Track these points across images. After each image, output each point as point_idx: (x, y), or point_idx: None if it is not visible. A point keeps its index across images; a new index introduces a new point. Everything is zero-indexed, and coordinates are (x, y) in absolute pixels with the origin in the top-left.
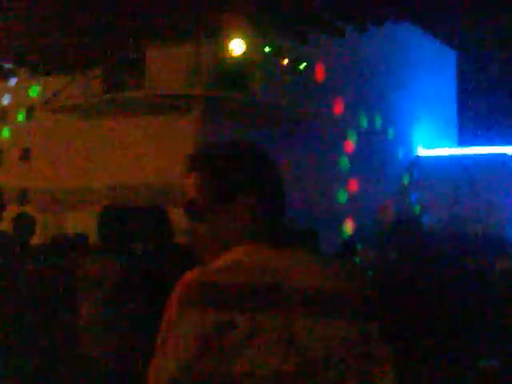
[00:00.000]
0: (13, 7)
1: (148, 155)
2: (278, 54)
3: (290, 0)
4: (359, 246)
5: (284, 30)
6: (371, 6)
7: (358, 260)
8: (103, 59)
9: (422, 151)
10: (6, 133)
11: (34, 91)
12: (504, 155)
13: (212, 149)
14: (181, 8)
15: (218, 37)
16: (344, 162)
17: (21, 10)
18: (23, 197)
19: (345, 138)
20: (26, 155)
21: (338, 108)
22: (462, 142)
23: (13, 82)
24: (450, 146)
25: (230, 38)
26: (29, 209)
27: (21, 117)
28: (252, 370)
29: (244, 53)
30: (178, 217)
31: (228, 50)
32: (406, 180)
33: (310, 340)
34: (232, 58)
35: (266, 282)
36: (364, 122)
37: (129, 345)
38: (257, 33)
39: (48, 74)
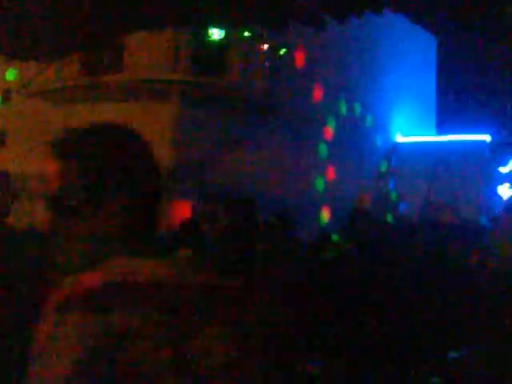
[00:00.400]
0: None
1: None
2: (257, 39)
3: None
4: (335, 237)
5: (263, 20)
6: None
7: (332, 251)
8: (81, 46)
9: (400, 139)
10: None
11: (11, 75)
12: (481, 142)
13: (81, 133)
14: None
15: (195, 24)
16: (322, 149)
17: None
18: None
19: (324, 125)
20: (1, 139)
21: (317, 94)
22: (441, 131)
23: None
24: (428, 134)
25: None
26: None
27: None
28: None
29: (223, 38)
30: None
31: (206, 35)
32: (383, 167)
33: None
34: (211, 42)
35: (137, 282)
36: (343, 109)
37: None
38: (235, 22)
39: (25, 59)
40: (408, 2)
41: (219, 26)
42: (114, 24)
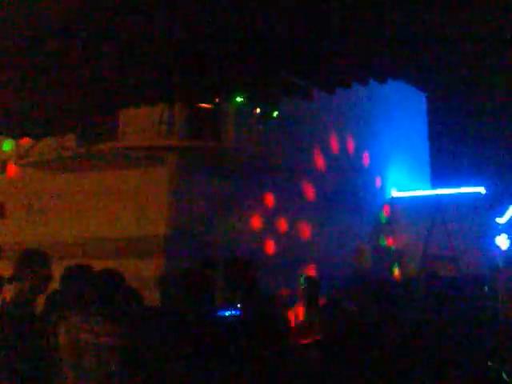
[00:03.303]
0: None
1: (123, 208)
2: (249, 104)
3: (259, 68)
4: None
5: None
6: (340, 70)
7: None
8: (76, 126)
9: (395, 193)
10: None
11: (8, 145)
12: (477, 194)
13: None
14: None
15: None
16: (318, 206)
17: None
18: None
19: (320, 182)
20: (0, 210)
21: (312, 153)
22: (435, 185)
23: None
24: (423, 188)
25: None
26: (1, 265)
27: None
28: None
29: (216, 103)
30: (149, 269)
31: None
32: (381, 222)
33: None
34: (204, 108)
35: None
36: (338, 167)
37: None
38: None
39: (20, 137)
40: (392, 71)
41: (209, 101)
42: (108, 104)
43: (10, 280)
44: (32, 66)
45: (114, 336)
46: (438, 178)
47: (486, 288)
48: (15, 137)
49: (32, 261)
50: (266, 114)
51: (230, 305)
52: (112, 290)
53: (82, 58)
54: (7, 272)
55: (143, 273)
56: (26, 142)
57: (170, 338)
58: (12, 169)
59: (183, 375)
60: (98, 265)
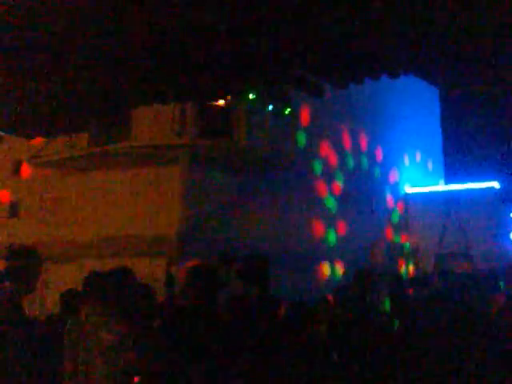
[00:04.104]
0: None
1: (136, 207)
2: (261, 101)
3: (271, 65)
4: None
5: (264, 90)
6: (352, 65)
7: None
8: (88, 125)
9: (409, 189)
10: None
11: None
12: (491, 189)
13: None
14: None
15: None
16: (332, 203)
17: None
18: None
19: (332, 179)
20: (13, 210)
21: (324, 150)
22: (449, 180)
23: None
24: (437, 184)
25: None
26: None
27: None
28: None
29: (228, 100)
30: (162, 267)
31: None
32: (395, 219)
33: None
34: (216, 106)
35: None
36: (351, 163)
37: None
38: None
39: (32, 137)
40: (404, 66)
41: (221, 98)
42: (120, 103)
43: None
44: (44, 65)
45: (133, 335)
46: (451, 174)
47: (502, 284)
48: (28, 136)
49: (17, 257)
50: (278, 111)
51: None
52: (126, 288)
53: (94, 56)
54: None
55: (157, 271)
56: (38, 141)
57: (184, 336)
58: (25, 168)
59: (200, 372)
60: (110, 264)
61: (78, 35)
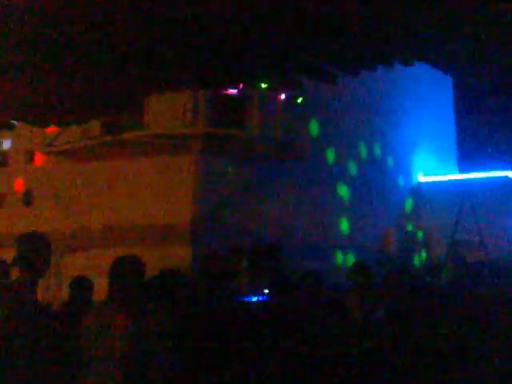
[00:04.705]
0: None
1: (148, 196)
2: (273, 90)
3: (284, 50)
4: None
5: (277, 77)
6: (365, 54)
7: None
8: (102, 114)
9: (422, 178)
10: None
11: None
12: (505, 178)
13: None
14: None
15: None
16: (344, 192)
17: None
18: None
19: (345, 168)
20: (27, 199)
21: (337, 139)
22: (462, 169)
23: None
24: (450, 173)
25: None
26: None
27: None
28: None
29: (240, 90)
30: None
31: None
32: (407, 207)
33: None
34: (228, 95)
35: None
36: (364, 151)
37: None
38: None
39: (46, 126)
40: (416, 53)
41: (234, 86)
42: (133, 92)
43: (11, 265)
44: (58, 55)
45: (159, 323)
46: (465, 162)
47: None
48: (42, 126)
49: (26, 244)
50: (290, 99)
51: (257, 291)
52: (137, 277)
53: (108, 45)
54: None
55: (169, 260)
56: (52, 130)
57: (196, 325)
58: (39, 157)
59: (213, 360)
60: (123, 252)
61: (90, 25)
